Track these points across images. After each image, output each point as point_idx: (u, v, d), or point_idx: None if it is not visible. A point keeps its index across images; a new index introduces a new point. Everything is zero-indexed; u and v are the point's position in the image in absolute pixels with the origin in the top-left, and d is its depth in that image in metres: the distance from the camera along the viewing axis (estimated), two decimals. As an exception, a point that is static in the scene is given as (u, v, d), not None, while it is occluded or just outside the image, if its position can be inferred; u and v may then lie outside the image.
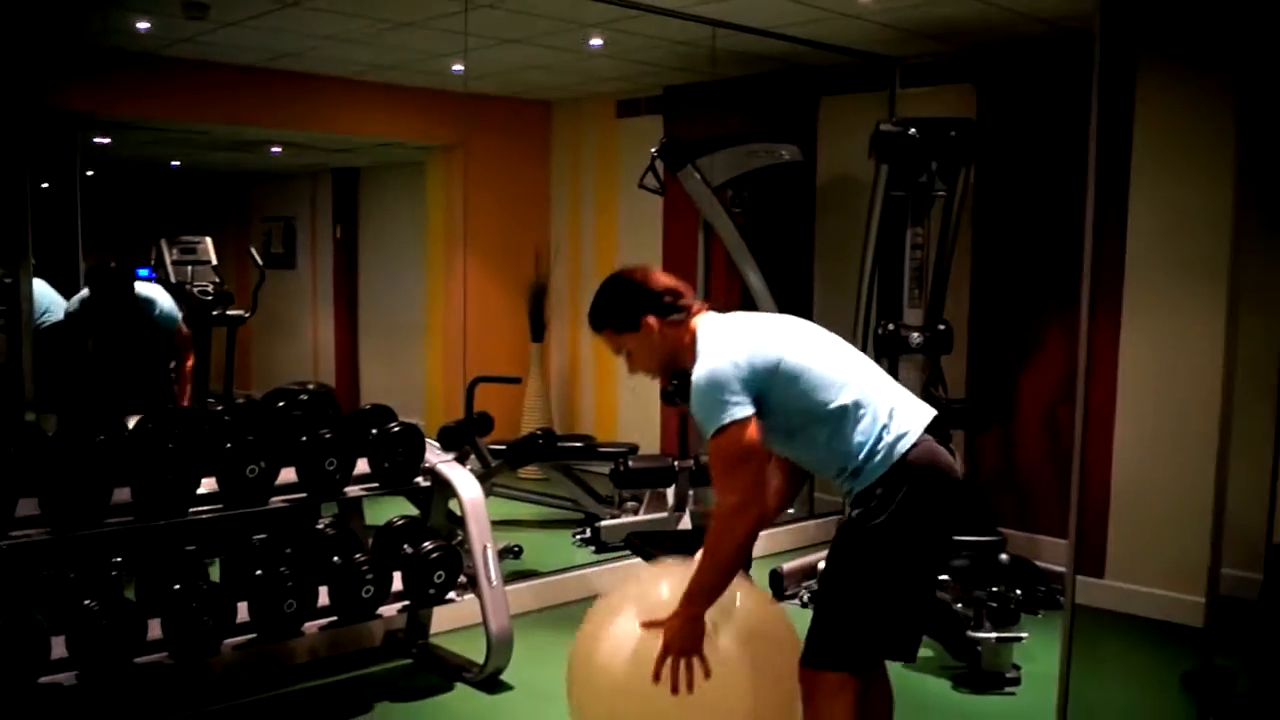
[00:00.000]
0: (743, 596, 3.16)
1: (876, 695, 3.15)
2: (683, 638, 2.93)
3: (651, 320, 3.07)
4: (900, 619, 3.01)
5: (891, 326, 5.92)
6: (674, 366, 3.14)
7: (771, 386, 2.93)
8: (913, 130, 5.75)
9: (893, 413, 2.96)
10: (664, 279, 3.16)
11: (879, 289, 6.20)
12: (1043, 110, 6.23)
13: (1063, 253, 6.07)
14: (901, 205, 5.98)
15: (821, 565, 5.65)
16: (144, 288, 5.97)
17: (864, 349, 6.13)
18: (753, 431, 2.88)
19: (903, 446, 2.91)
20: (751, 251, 6.81)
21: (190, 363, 6.21)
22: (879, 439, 2.91)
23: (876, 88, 6.98)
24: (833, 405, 2.94)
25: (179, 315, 6.09)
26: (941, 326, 5.92)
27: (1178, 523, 5.31)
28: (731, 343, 2.97)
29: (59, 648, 3.73)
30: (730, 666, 3.00)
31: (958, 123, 5.91)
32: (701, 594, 2.93)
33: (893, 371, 5.96)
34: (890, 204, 6.02)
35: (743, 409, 2.87)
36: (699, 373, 2.93)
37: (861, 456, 2.91)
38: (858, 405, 2.94)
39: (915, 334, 5.88)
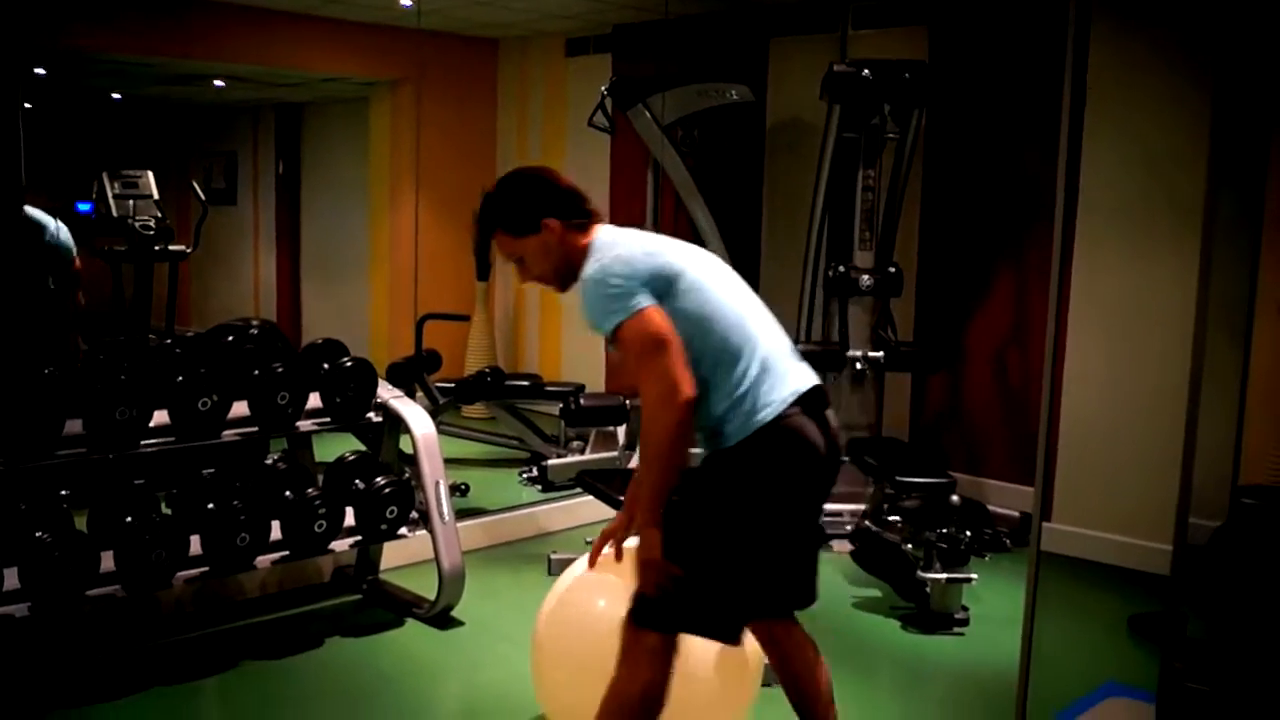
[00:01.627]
0: None
1: (794, 647, 3.05)
2: (646, 549, 2.74)
3: (553, 223, 2.87)
4: (747, 588, 2.82)
5: (842, 269, 5.96)
6: (570, 275, 2.90)
7: (665, 300, 2.72)
8: (865, 71, 5.76)
9: (777, 371, 2.78)
10: (568, 180, 2.98)
11: (829, 231, 6.23)
12: (995, 52, 6.25)
13: (1012, 196, 6.13)
14: (853, 147, 6.01)
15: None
16: (35, 211, 5.77)
17: (813, 291, 6.21)
18: (661, 319, 2.66)
19: (774, 411, 2.72)
20: (701, 192, 6.81)
21: (80, 299, 5.95)
22: (757, 398, 2.73)
23: (828, 29, 6.97)
24: (722, 345, 2.75)
25: (74, 246, 5.88)
26: (892, 269, 5.96)
27: (1130, 467, 5.41)
28: (630, 245, 2.81)
29: (10, 579, 3.71)
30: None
31: (911, 65, 5.92)
32: (651, 501, 2.71)
33: (842, 314, 6.02)
34: (841, 146, 6.03)
35: (645, 299, 2.68)
36: (590, 269, 2.75)
37: (733, 414, 2.73)
38: (744, 354, 2.76)
39: (865, 276, 5.92)
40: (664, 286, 2.73)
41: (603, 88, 6.85)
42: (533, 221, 2.89)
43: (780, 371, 2.80)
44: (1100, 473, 5.55)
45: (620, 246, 2.80)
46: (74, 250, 5.86)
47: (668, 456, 2.67)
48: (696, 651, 2.97)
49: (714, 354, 2.75)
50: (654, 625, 2.76)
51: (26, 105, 9.47)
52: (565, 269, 2.91)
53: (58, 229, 5.78)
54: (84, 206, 8.28)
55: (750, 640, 3.16)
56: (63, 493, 4.61)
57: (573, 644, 3.28)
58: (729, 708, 3.32)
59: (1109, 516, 5.51)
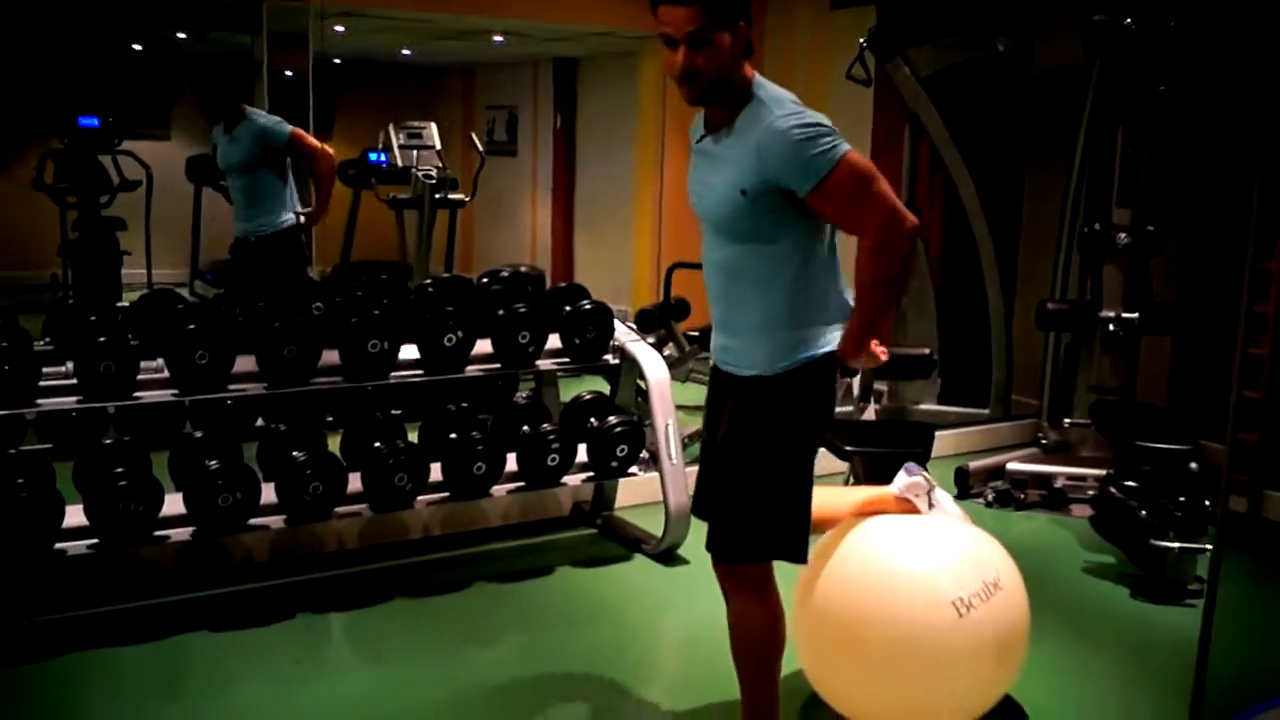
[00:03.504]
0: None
1: None
2: (864, 354, 2.77)
3: (744, 29, 2.66)
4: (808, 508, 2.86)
5: (1097, 226, 5.76)
6: (719, 91, 2.68)
7: None
8: (1128, 20, 5.52)
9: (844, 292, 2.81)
10: None
11: (1088, 188, 6.02)
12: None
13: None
14: (1115, 100, 5.78)
15: (1011, 465, 5.66)
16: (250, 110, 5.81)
17: (1069, 249, 6.05)
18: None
19: (836, 338, 2.76)
20: (959, 147, 6.68)
21: (326, 169, 5.92)
22: (835, 317, 2.76)
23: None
24: (827, 244, 2.75)
25: (282, 126, 5.78)
26: (1150, 228, 5.71)
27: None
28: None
29: (268, 494, 4.09)
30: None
31: (1178, 12, 5.62)
32: (874, 321, 2.73)
33: (1096, 272, 5.83)
34: (1103, 99, 5.82)
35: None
36: (796, 114, 2.61)
37: (813, 328, 2.73)
38: (835, 263, 2.78)
39: (1122, 234, 5.70)
40: None
41: (861, 40, 6.80)
42: (738, 16, 2.65)
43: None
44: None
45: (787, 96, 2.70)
46: (280, 128, 5.77)
47: (898, 283, 2.74)
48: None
49: (829, 259, 2.76)
50: (746, 558, 2.84)
51: (336, 61, 10.16)
52: (722, 83, 2.67)
53: (260, 120, 5.79)
54: (375, 156, 8.85)
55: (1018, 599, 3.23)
56: (328, 418, 5.03)
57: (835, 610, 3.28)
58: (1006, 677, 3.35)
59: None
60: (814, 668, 3.40)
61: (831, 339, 2.76)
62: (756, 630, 2.91)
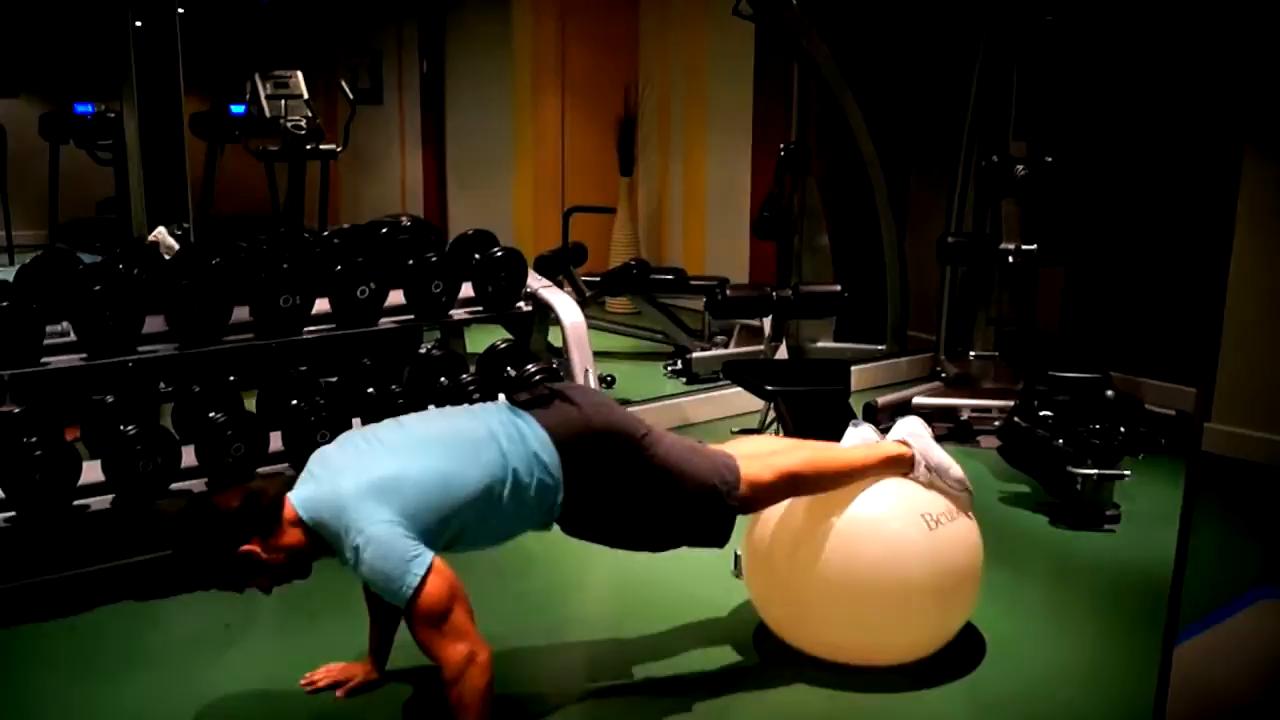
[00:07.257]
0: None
1: None
2: None
3: (255, 547, 2.74)
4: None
5: (995, 159, 5.81)
6: (300, 566, 2.84)
7: (420, 511, 2.72)
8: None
9: (516, 438, 2.89)
10: (231, 494, 2.81)
11: (984, 121, 6.08)
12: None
13: (1174, 85, 5.89)
14: (1010, 33, 5.82)
15: (918, 399, 5.73)
16: None
17: (965, 183, 6.11)
18: (444, 571, 2.67)
19: (552, 452, 2.90)
20: (848, 81, 6.68)
21: None
22: (535, 472, 2.88)
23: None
24: (480, 488, 2.82)
25: None
26: (1048, 159, 5.78)
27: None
28: (356, 495, 2.70)
29: (188, 456, 3.88)
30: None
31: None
32: None
33: (995, 207, 5.88)
34: (997, 33, 5.87)
35: (423, 556, 2.65)
36: (361, 548, 2.64)
37: (547, 492, 2.89)
38: (496, 475, 2.84)
39: (1020, 167, 5.75)
40: (414, 509, 2.71)
41: (748, -26, 6.73)
42: (234, 564, 2.77)
43: (519, 421, 2.95)
44: (1266, 373, 5.36)
45: (351, 501, 2.70)
46: None
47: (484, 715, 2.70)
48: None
49: (488, 492, 2.83)
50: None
51: (180, 10, 9.66)
52: (293, 567, 2.83)
53: None
54: (238, 109, 8.49)
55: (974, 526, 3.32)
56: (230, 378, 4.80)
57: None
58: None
59: (1274, 417, 5.33)
60: (774, 608, 3.40)
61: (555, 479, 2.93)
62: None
